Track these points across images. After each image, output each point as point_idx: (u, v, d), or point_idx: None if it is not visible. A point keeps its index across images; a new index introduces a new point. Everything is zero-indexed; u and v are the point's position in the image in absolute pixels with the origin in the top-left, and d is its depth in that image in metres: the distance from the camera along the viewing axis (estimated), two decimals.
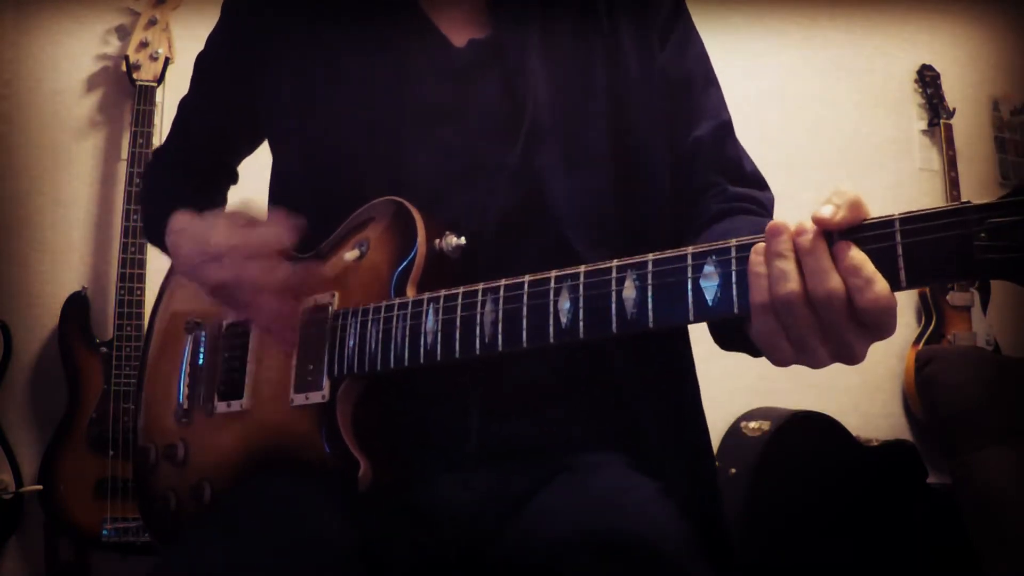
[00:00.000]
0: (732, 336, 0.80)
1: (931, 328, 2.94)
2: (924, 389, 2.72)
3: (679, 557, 0.78)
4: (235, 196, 1.22)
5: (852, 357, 0.66)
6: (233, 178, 1.25)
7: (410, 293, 0.87)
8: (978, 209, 0.59)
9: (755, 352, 0.76)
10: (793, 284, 0.65)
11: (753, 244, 0.68)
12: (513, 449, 0.92)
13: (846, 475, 2.36)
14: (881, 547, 2.33)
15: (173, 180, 1.20)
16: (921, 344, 2.91)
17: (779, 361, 0.69)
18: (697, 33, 1.08)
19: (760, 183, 1.03)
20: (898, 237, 0.62)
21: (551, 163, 0.95)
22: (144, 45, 2.19)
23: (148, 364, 1.12)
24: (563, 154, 0.96)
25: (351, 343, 0.88)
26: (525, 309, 0.77)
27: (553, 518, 0.84)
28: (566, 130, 0.96)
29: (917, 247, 0.62)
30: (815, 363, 0.67)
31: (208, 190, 1.21)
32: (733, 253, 0.69)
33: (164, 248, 1.07)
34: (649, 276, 0.72)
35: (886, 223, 0.63)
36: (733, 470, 2.39)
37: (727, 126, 1.04)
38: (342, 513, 0.84)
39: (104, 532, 1.94)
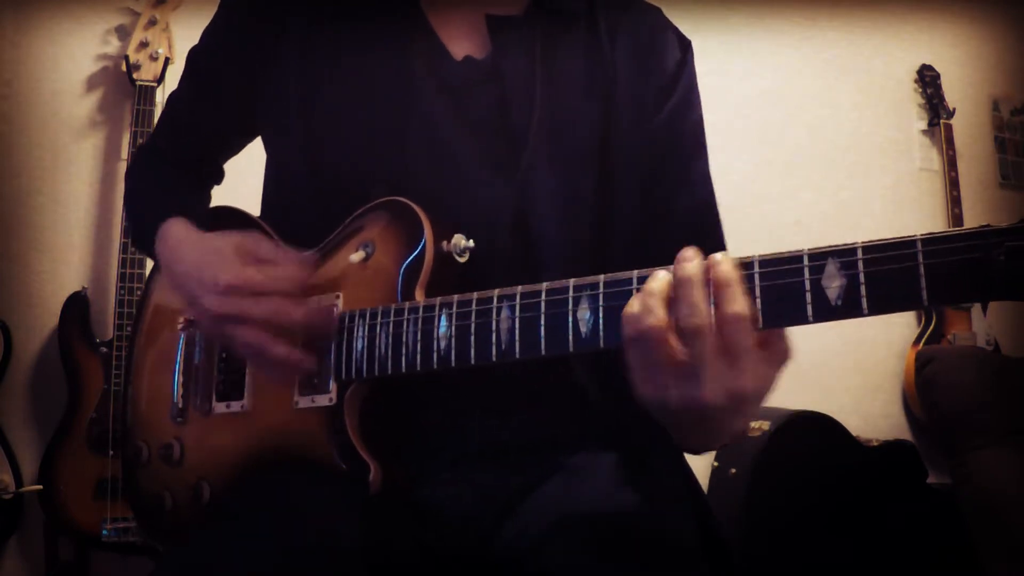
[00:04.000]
0: None
1: (931, 328, 2.94)
2: (924, 389, 2.73)
3: (679, 552, 0.78)
4: (230, 194, 1.21)
5: (703, 399, 0.67)
6: (219, 177, 1.23)
7: (418, 297, 0.86)
8: (998, 232, 0.61)
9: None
10: (653, 319, 0.67)
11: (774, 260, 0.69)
12: (514, 448, 0.92)
13: (846, 475, 2.36)
14: (881, 547, 2.33)
15: (158, 178, 1.18)
16: (921, 344, 2.91)
17: (643, 391, 0.70)
18: (698, 94, 1.07)
19: None
20: (920, 257, 0.63)
21: (540, 197, 0.95)
22: (144, 45, 2.19)
23: (136, 361, 1.12)
24: (553, 191, 0.95)
25: (359, 346, 0.87)
26: (543, 317, 0.77)
27: (549, 512, 0.84)
28: (556, 167, 0.96)
29: (938, 268, 0.63)
30: (669, 402, 0.68)
31: (193, 189, 1.20)
32: (756, 268, 0.69)
33: (151, 255, 1.07)
34: None
35: (908, 243, 0.64)
36: (733, 470, 2.39)
37: (705, 202, 1.04)
38: (344, 513, 0.84)
39: (104, 532, 1.94)
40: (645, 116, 1.00)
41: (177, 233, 1.01)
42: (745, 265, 0.68)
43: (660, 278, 0.70)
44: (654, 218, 0.99)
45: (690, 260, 0.69)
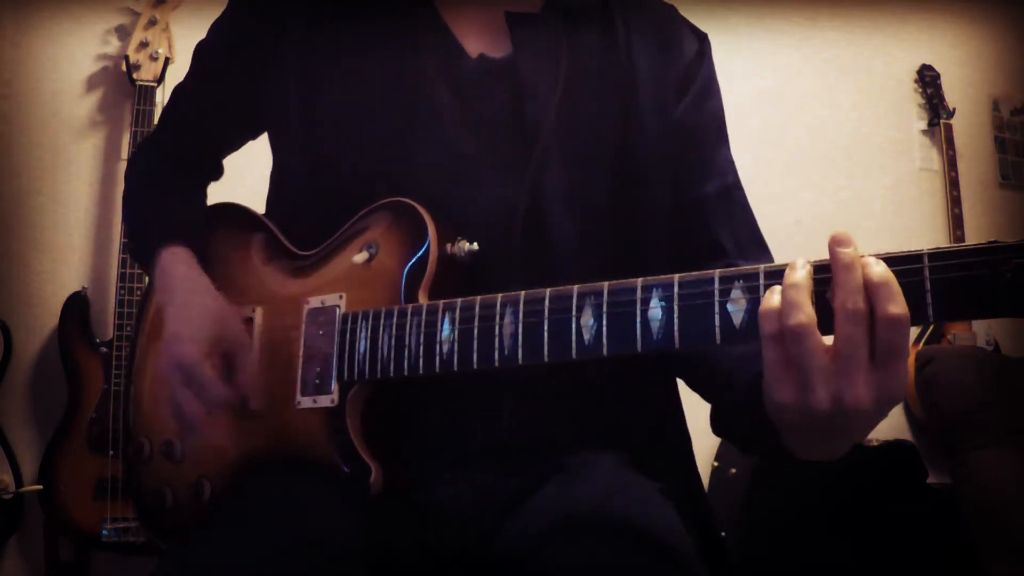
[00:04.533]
0: (756, 433, 0.79)
1: (931, 328, 2.94)
2: (924, 389, 2.72)
3: (678, 552, 0.78)
4: (234, 191, 1.21)
5: (856, 400, 0.63)
6: (218, 173, 1.23)
7: (422, 299, 0.86)
8: (1006, 249, 0.61)
9: (776, 449, 0.76)
10: (803, 316, 0.64)
11: (781, 271, 0.67)
12: (514, 448, 0.92)
13: (846, 475, 2.36)
14: (881, 547, 2.33)
15: (159, 176, 1.18)
16: (921, 344, 2.91)
17: (782, 396, 0.67)
18: (717, 83, 1.06)
19: (762, 248, 1.02)
20: (926, 272, 0.63)
21: (554, 197, 0.94)
22: (144, 45, 2.19)
23: (139, 358, 1.12)
24: (567, 191, 0.95)
25: (362, 348, 0.87)
26: (546, 323, 0.76)
27: (549, 511, 0.84)
28: (570, 166, 0.96)
29: (945, 283, 0.62)
30: (816, 404, 0.64)
31: (194, 188, 1.19)
32: (761, 279, 0.68)
33: (147, 272, 1.08)
34: (675, 297, 0.71)
35: (915, 257, 0.64)
36: (733, 470, 2.39)
37: (734, 187, 1.03)
38: (345, 513, 0.84)
39: (104, 532, 1.94)
40: (667, 108, 0.99)
41: (173, 268, 1.01)
42: (913, 259, 0.64)
43: (801, 268, 0.65)
44: (683, 209, 0.99)
45: (848, 244, 0.64)
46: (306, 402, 0.90)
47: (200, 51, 1.13)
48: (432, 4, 1.00)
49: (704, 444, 2.35)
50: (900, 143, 3.21)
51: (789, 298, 0.64)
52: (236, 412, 0.93)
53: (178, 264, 1.02)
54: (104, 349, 2.05)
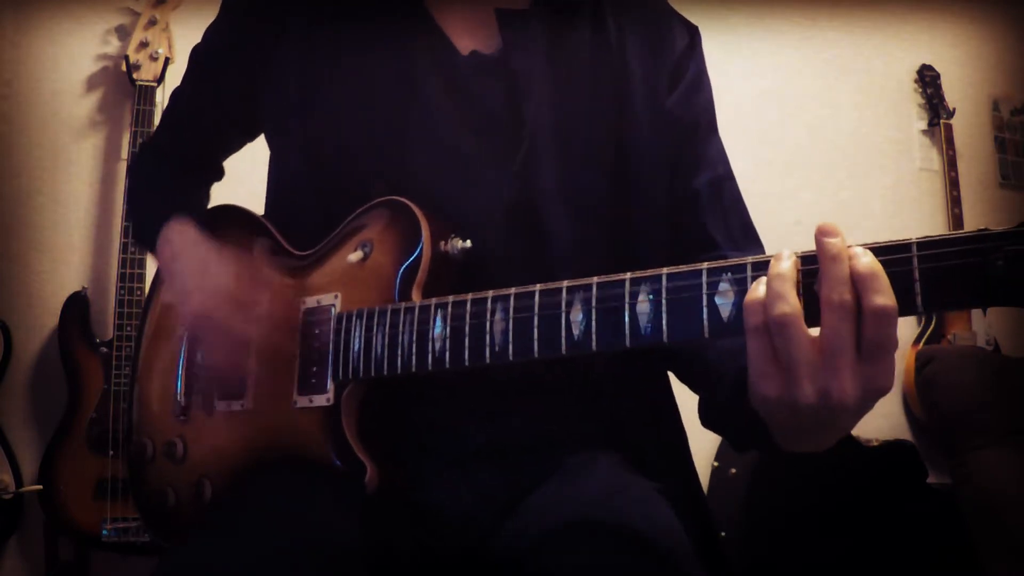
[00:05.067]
0: (749, 432, 0.78)
1: (931, 328, 2.94)
2: (924, 389, 2.72)
3: (675, 554, 0.78)
4: (234, 193, 1.21)
5: (842, 394, 0.63)
6: (219, 174, 1.24)
7: (415, 297, 0.87)
8: (996, 236, 0.59)
9: (769, 447, 0.76)
10: (787, 306, 0.63)
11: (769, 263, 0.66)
12: (513, 448, 0.92)
13: (846, 475, 2.36)
14: (881, 547, 2.33)
15: (160, 176, 1.19)
16: (921, 344, 2.91)
17: (767, 389, 0.66)
18: (707, 75, 1.06)
19: (753, 240, 1.02)
20: (915, 262, 0.62)
21: (548, 194, 0.94)
22: (144, 45, 2.19)
23: (142, 358, 1.12)
24: (561, 188, 0.95)
25: (356, 347, 0.87)
26: (536, 319, 0.76)
27: (548, 512, 0.84)
28: (565, 163, 0.96)
29: (934, 272, 0.61)
30: (801, 398, 0.64)
31: (194, 186, 1.20)
32: (749, 271, 0.68)
33: (152, 251, 1.08)
34: (664, 291, 0.71)
35: (904, 247, 0.63)
36: (733, 470, 2.39)
37: (725, 179, 1.03)
38: (344, 513, 0.84)
39: (104, 532, 1.94)
40: (658, 102, 1.00)
41: (178, 236, 1.02)
42: (902, 248, 0.63)
43: (787, 259, 0.64)
44: (677, 201, 0.99)
45: (835, 235, 0.63)
46: (303, 401, 0.90)
47: (196, 54, 1.13)
48: (423, 4, 1.01)
49: (704, 444, 2.35)
50: (900, 143, 3.21)
51: (774, 288, 0.64)
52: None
53: (180, 235, 1.03)
54: (104, 349, 2.05)
